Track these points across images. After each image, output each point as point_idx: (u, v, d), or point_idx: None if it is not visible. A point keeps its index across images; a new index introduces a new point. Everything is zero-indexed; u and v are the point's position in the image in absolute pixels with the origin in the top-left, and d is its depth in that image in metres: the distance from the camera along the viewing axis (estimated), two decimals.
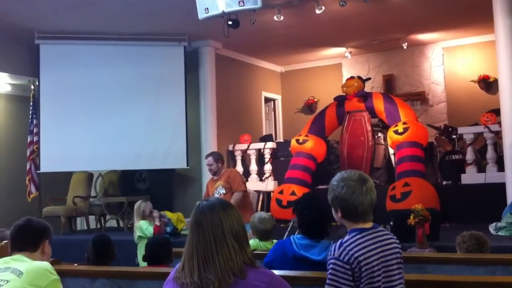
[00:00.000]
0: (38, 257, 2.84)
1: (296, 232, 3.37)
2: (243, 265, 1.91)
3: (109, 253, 4.47)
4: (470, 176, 7.91)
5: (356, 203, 2.34)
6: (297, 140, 9.04)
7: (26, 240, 2.86)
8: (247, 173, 9.94)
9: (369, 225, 2.38)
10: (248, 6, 6.28)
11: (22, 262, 2.71)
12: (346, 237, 2.34)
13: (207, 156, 6.74)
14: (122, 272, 3.53)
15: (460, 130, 8.37)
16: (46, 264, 2.74)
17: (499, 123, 7.60)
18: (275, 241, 4.08)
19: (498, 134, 7.79)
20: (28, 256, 2.79)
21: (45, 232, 2.95)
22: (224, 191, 6.31)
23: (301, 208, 3.29)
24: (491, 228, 6.53)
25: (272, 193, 9.07)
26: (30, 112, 8.71)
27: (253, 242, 4.33)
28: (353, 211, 2.35)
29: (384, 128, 9.00)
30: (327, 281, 2.28)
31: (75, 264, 4.26)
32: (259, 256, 3.69)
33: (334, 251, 2.30)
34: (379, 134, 9.10)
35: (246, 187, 6.57)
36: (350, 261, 2.24)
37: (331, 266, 2.28)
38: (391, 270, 2.33)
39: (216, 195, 6.32)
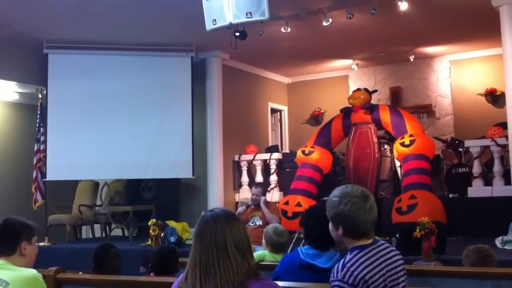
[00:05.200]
0: (17, 261, 2.69)
1: (302, 243, 3.36)
2: (245, 278, 1.90)
3: (116, 265, 4.44)
4: (476, 190, 7.87)
5: (360, 221, 2.26)
6: (303, 151, 9.04)
7: (1, 241, 2.71)
8: (252, 184, 9.92)
9: (370, 241, 2.31)
10: (255, 18, 6.30)
11: (7, 271, 2.59)
12: (348, 257, 2.26)
13: (257, 186, 7.13)
14: (127, 282, 3.53)
15: (467, 143, 8.35)
16: (32, 272, 2.63)
17: (506, 137, 7.58)
18: None
19: (505, 148, 7.77)
20: (7, 260, 2.66)
21: (21, 232, 2.74)
22: (260, 223, 6.59)
23: (307, 219, 3.29)
24: (498, 241, 6.49)
25: (277, 204, 9.05)
26: (38, 121, 8.76)
27: (261, 252, 4.32)
28: (356, 229, 2.28)
29: (391, 140, 8.98)
30: None
31: (80, 273, 4.26)
32: (268, 267, 3.68)
33: (337, 272, 2.22)
34: (386, 146, 9.08)
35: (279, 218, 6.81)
36: (355, 283, 2.17)
37: None
38: (397, 284, 2.29)
39: (251, 224, 6.66)
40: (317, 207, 3.52)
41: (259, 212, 6.73)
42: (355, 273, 2.19)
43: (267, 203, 6.87)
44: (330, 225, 2.37)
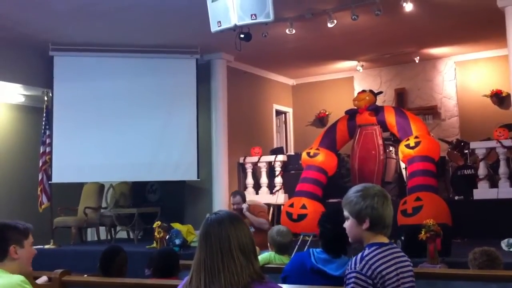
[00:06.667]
0: (10, 266, 2.63)
1: (306, 247, 3.35)
2: (250, 281, 1.90)
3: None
4: (482, 191, 7.83)
5: (385, 214, 2.35)
6: (308, 153, 9.03)
7: None
8: (257, 186, 9.93)
9: (386, 240, 2.38)
10: (260, 19, 6.30)
11: None
12: (366, 251, 2.31)
13: (235, 194, 6.96)
14: (131, 284, 3.54)
15: (473, 144, 8.31)
16: (16, 280, 2.52)
17: None
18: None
19: (510, 149, 7.74)
20: (3, 271, 2.58)
21: (9, 236, 2.67)
22: (253, 229, 6.48)
23: (324, 220, 3.28)
24: (503, 244, 6.45)
25: (282, 206, 9.04)
26: (43, 123, 8.78)
27: (267, 255, 4.31)
28: (382, 222, 2.35)
29: (396, 142, 8.97)
30: None
31: (85, 275, 4.26)
32: (275, 270, 3.68)
33: (355, 264, 2.27)
34: (391, 148, 9.06)
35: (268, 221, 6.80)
36: (373, 276, 2.22)
37: (352, 280, 2.24)
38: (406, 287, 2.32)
39: None
40: (336, 209, 3.51)
41: (247, 220, 6.64)
42: (373, 267, 2.23)
43: (250, 209, 6.78)
44: (351, 222, 2.39)
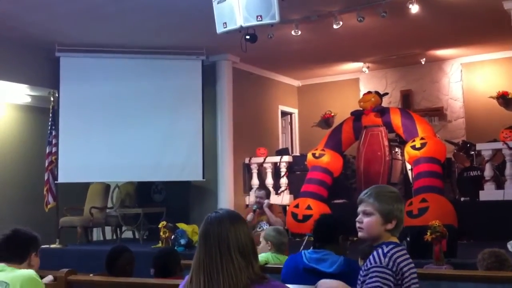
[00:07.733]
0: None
1: (312, 248, 3.36)
2: (249, 282, 1.87)
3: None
4: (488, 193, 7.81)
5: (403, 216, 2.47)
6: (314, 154, 9.02)
7: (12, 251, 2.83)
8: (263, 187, 9.92)
9: (398, 241, 2.44)
10: (266, 21, 6.30)
11: (6, 273, 2.70)
12: (386, 249, 2.35)
13: (261, 189, 7.30)
14: (135, 283, 3.55)
15: (479, 146, 8.29)
16: (30, 272, 2.74)
17: None
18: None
19: None
20: (14, 268, 2.76)
21: (32, 244, 2.92)
22: (267, 227, 6.59)
23: (324, 215, 3.38)
24: (510, 245, 6.40)
25: (287, 207, 9.04)
26: (49, 123, 8.81)
27: (265, 255, 4.31)
28: (401, 223, 2.44)
29: (402, 143, 8.95)
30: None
31: (91, 275, 4.27)
32: (273, 270, 3.68)
33: (379, 259, 2.30)
34: (396, 149, 9.04)
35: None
36: (397, 271, 2.29)
37: (376, 274, 2.27)
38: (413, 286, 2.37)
39: (258, 229, 6.72)
40: (332, 215, 3.56)
41: (265, 217, 6.81)
42: (396, 262, 2.30)
43: (270, 207, 6.89)
44: (376, 218, 2.41)
